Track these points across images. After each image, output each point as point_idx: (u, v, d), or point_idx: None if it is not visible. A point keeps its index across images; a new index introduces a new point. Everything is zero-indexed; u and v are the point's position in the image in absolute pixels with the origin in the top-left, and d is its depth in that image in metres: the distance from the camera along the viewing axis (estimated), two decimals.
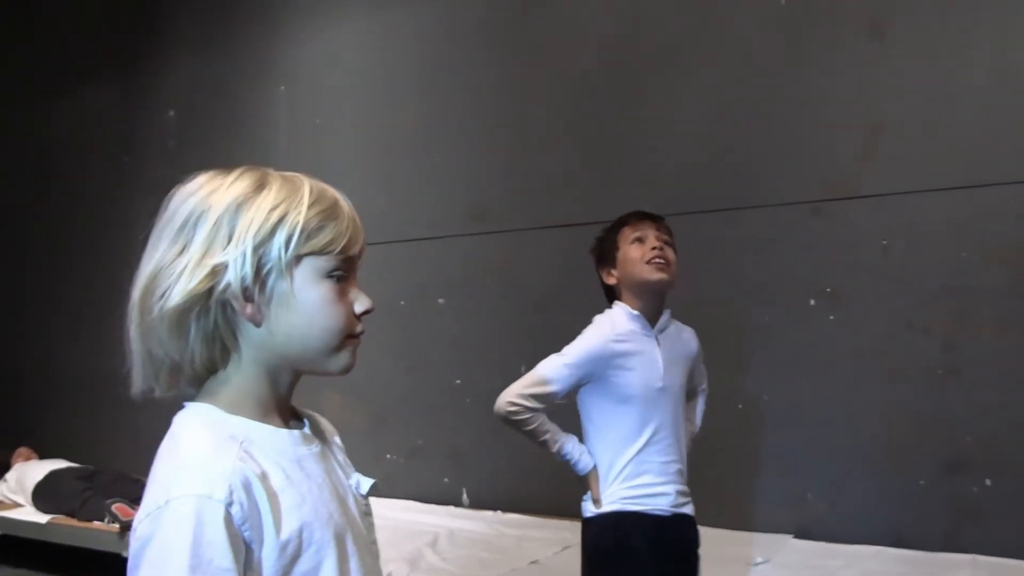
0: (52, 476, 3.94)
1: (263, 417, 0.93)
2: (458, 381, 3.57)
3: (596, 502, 1.86)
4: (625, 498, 1.83)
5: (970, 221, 2.70)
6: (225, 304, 0.89)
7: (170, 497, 0.82)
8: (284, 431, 0.94)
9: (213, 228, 0.88)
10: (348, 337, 0.94)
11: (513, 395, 1.84)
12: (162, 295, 0.87)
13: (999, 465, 2.64)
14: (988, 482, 2.65)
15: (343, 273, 0.93)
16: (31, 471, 4.05)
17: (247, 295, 0.89)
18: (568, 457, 1.87)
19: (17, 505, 3.98)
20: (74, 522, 3.62)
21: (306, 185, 0.92)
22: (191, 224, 0.89)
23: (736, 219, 3.04)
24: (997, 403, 2.64)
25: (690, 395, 2.06)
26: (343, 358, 0.94)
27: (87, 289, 4.54)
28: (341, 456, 1.03)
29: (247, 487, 0.84)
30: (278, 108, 4.16)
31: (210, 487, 0.82)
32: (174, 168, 4.37)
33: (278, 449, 0.91)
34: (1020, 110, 2.66)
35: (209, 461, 0.85)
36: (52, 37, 4.98)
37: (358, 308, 0.94)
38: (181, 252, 0.88)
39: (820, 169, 2.94)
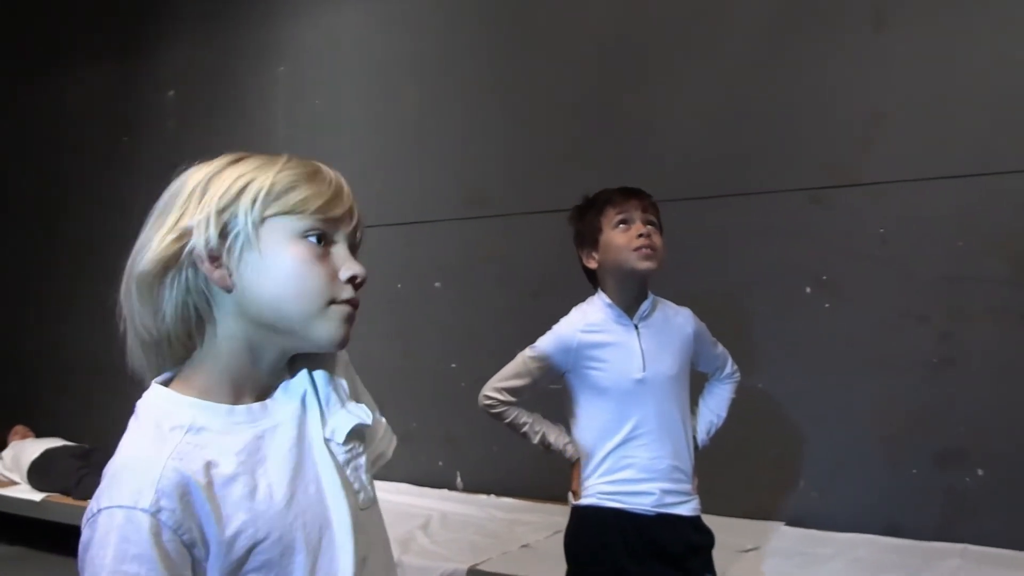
0: (48, 454, 3.95)
1: (233, 397, 0.88)
2: (453, 365, 3.57)
3: (574, 493, 1.82)
4: (603, 493, 1.79)
5: (969, 211, 2.70)
6: (196, 269, 0.86)
7: (100, 507, 0.80)
8: (240, 408, 0.88)
9: (187, 199, 0.87)
10: (332, 303, 0.87)
11: (488, 388, 1.84)
12: (137, 262, 0.87)
13: (992, 455, 2.65)
14: (980, 472, 2.66)
15: (322, 233, 0.88)
16: (27, 449, 4.06)
17: (213, 258, 0.86)
18: (553, 447, 1.83)
19: (12, 483, 3.99)
20: (69, 500, 3.63)
21: (283, 158, 0.90)
22: (170, 201, 0.89)
23: (733, 206, 3.04)
24: (991, 393, 2.65)
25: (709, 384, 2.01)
26: (328, 326, 0.88)
27: (84, 269, 4.53)
28: (331, 399, 0.94)
29: (182, 488, 0.80)
30: (278, 89, 4.14)
31: (135, 497, 0.79)
32: (174, 149, 4.39)
33: (231, 432, 0.86)
34: (1020, 100, 2.65)
35: (140, 465, 0.81)
36: (51, 16, 4.94)
37: (343, 274, 0.88)
38: (161, 227, 0.87)
39: (819, 157, 2.93)
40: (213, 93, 4.31)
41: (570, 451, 1.83)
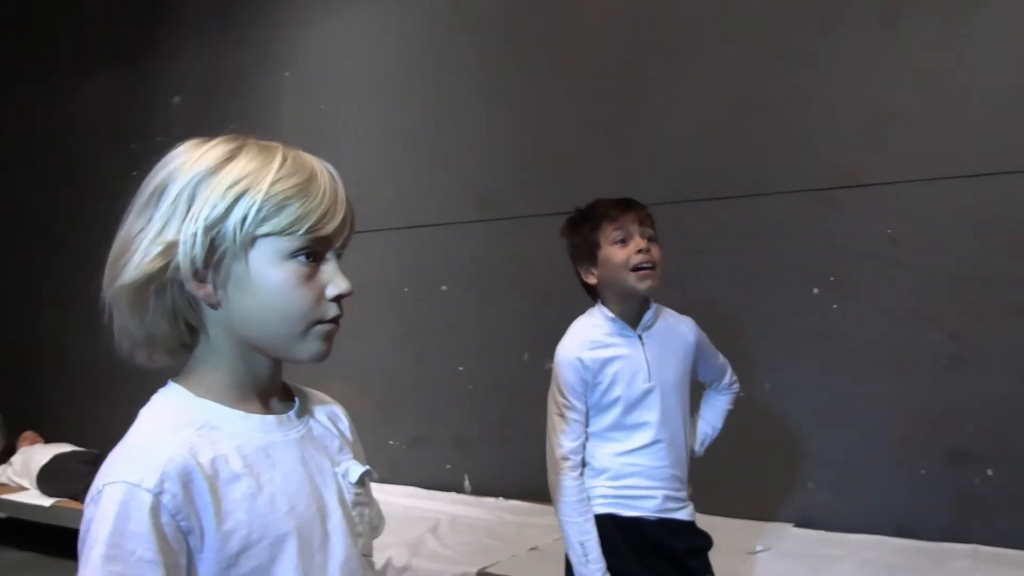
0: (57, 460, 3.97)
1: (237, 400, 0.89)
2: (461, 368, 3.57)
3: None
4: (606, 496, 1.78)
5: (978, 210, 2.68)
6: (182, 284, 0.85)
7: (105, 482, 0.80)
8: (255, 416, 0.90)
9: (172, 204, 0.85)
10: (317, 323, 0.88)
11: (559, 463, 1.78)
12: (121, 269, 0.85)
13: (1002, 456, 2.63)
14: (990, 472, 2.65)
15: (312, 253, 0.87)
16: (36, 455, 4.07)
17: (199, 276, 0.85)
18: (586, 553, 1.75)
19: (22, 488, 4.01)
20: (78, 505, 3.64)
21: (277, 158, 0.87)
22: (156, 197, 0.87)
23: (741, 207, 3.03)
24: (1001, 394, 2.63)
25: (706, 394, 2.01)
26: (311, 346, 0.88)
27: (92, 276, 4.54)
28: (336, 441, 0.98)
29: (185, 476, 0.81)
30: (284, 94, 4.15)
31: (140, 475, 0.79)
32: None
33: (243, 436, 0.87)
34: None
35: (149, 448, 0.82)
36: (58, 24, 4.96)
37: (330, 292, 0.88)
38: (144, 226, 0.86)
39: (827, 157, 2.92)
40: (219, 98, 4.32)
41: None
